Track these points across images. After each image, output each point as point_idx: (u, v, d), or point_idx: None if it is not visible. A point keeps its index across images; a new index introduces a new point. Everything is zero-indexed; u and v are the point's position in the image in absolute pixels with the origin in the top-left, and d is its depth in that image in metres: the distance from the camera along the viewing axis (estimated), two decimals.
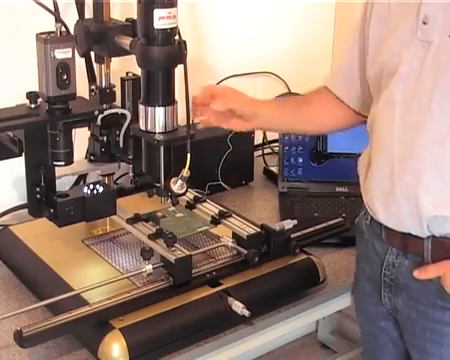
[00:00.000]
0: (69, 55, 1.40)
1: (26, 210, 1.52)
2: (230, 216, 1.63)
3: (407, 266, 1.40)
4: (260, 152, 2.30)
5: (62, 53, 1.39)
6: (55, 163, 1.47)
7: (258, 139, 2.28)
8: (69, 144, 1.47)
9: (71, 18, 1.61)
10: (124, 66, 1.71)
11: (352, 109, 1.57)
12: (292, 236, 1.61)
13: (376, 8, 1.44)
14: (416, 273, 1.36)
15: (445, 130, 1.28)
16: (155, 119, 1.46)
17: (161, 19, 1.38)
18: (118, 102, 1.70)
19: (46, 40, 1.38)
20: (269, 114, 1.58)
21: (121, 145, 1.64)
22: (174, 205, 1.58)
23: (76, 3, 1.68)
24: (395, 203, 1.36)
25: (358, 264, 1.57)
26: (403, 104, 1.33)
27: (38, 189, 1.46)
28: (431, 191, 1.31)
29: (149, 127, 1.47)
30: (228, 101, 1.52)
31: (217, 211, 1.65)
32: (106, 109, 1.62)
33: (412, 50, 1.31)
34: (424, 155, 1.31)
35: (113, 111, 1.63)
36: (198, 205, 1.69)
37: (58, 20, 1.41)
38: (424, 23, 1.29)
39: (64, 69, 1.40)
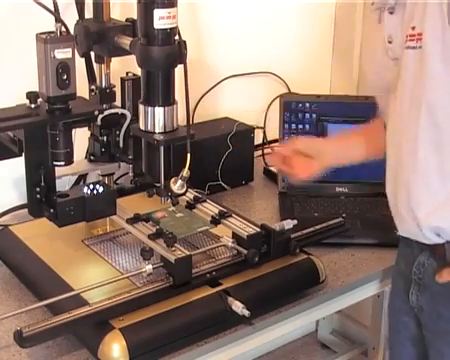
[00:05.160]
0: (69, 55, 1.40)
1: (26, 210, 1.52)
2: (230, 216, 1.63)
3: (434, 267, 1.41)
4: (260, 152, 2.30)
5: (62, 53, 1.39)
6: (55, 163, 1.47)
7: (258, 139, 2.29)
8: (69, 144, 1.47)
9: (71, 18, 1.61)
10: (124, 66, 1.72)
11: None
12: (292, 236, 1.61)
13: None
14: (436, 276, 1.38)
15: (414, 137, 1.32)
16: (155, 119, 1.46)
17: (161, 19, 1.38)
18: (118, 102, 1.70)
19: (46, 40, 1.38)
20: (335, 148, 1.63)
21: (121, 145, 1.64)
22: (174, 205, 1.58)
23: (76, 3, 1.68)
24: (402, 219, 1.40)
25: (398, 259, 1.58)
26: (393, 120, 1.39)
27: (38, 189, 1.46)
28: (422, 203, 1.35)
29: (149, 127, 1.47)
30: (292, 143, 1.59)
31: (217, 211, 1.64)
32: (106, 109, 1.62)
33: (389, 70, 1.38)
34: (408, 166, 1.35)
35: (113, 111, 1.63)
36: (198, 205, 1.69)
37: (58, 20, 1.41)
38: (389, 42, 1.37)
39: (64, 69, 1.40)
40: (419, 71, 1.29)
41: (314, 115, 2.08)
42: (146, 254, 1.43)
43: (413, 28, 1.28)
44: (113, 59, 1.66)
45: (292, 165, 1.59)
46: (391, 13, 1.35)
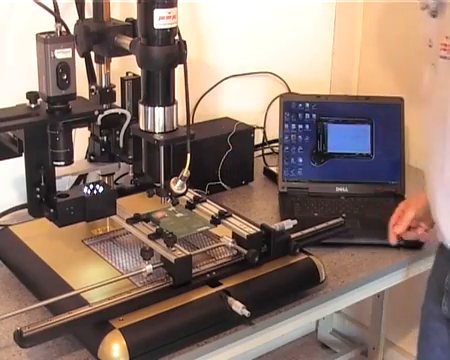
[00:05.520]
0: (69, 55, 1.40)
1: (26, 210, 1.52)
2: (230, 216, 1.63)
3: None
4: (260, 152, 2.30)
5: (62, 53, 1.39)
6: (55, 163, 1.47)
7: (258, 139, 2.29)
8: (69, 144, 1.47)
9: (71, 18, 1.61)
10: (124, 66, 1.72)
11: None
12: (292, 236, 1.60)
13: None
14: None
15: (441, 147, 1.31)
16: (155, 119, 1.46)
17: (161, 19, 1.38)
18: (118, 102, 1.70)
19: (46, 40, 1.38)
20: None
21: (121, 145, 1.64)
22: (174, 205, 1.58)
23: (76, 3, 1.68)
24: (437, 226, 1.41)
25: (434, 264, 1.57)
26: (425, 126, 1.38)
27: (38, 189, 1.46)
28: (444, 212, 1.35)
29: (149, 127, 1.47)
30: (406, 214, 1.59)
31: (217, 211, 1.64)
32: (106, 109, 1.62)
33: (427, 73, 1.36)
34: (435, 173, 1.35)
35: (113, 111, 1.63)
36: (198, 205, 1.69)
37: (58, 20, 1.41)
38: (430, 46, 1.34)
39: (64, 69, 1.40)
40: (447, 83, 1.26)
41: (314, 115, 2.08)
42: (146, 254, 1.43)
43: (447, 38, 1.25)
44: (113, 59, 1.66)
45: (415, 230, 1.60)
46: (434, 16, 1.31)
